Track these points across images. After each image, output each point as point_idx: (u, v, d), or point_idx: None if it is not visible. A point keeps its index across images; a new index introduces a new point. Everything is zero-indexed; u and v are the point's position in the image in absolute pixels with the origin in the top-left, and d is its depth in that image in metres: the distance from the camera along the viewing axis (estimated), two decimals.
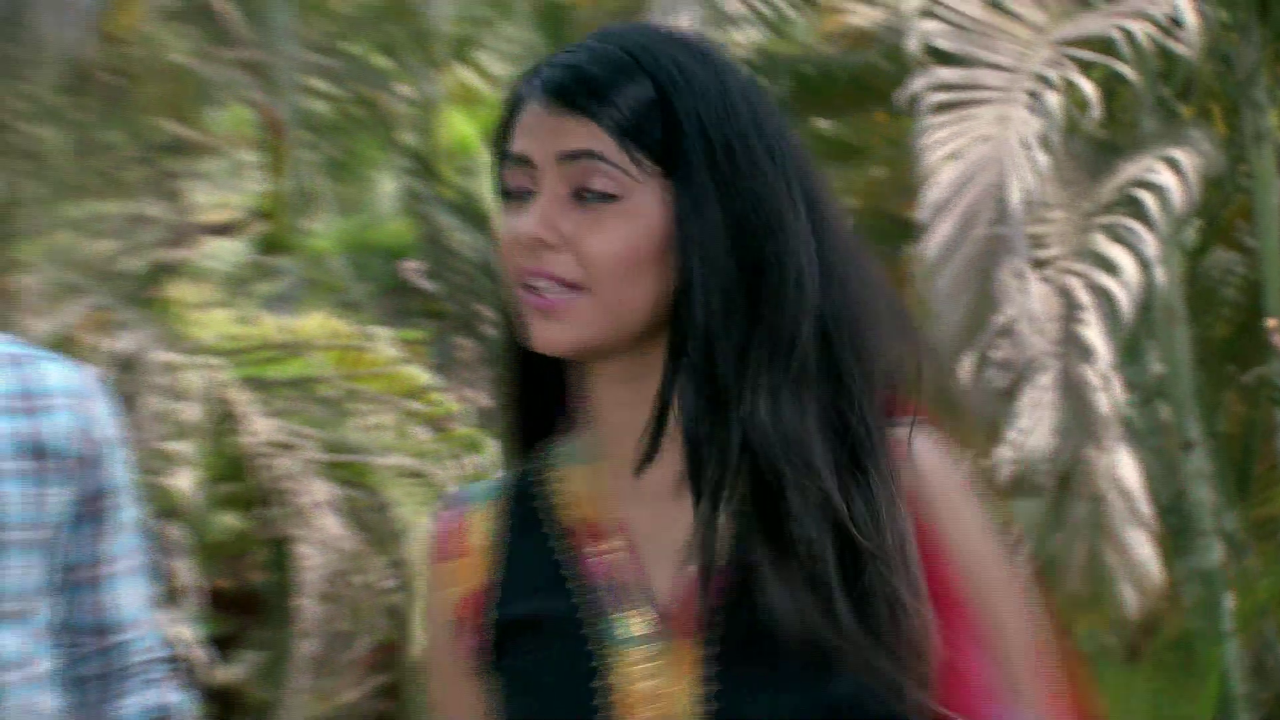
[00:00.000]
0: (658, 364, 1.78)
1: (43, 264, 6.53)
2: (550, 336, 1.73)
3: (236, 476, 6.29)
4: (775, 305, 1.74)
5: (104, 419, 2.72)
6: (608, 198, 1.72)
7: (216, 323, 6.39)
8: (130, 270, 6.78)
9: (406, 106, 9.02)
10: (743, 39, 7.11)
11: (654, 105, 1.73)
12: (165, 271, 6.96)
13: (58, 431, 2.66)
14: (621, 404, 1.80)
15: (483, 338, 7.00)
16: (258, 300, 7.25)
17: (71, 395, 2.69)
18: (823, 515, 1.73)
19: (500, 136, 1.77)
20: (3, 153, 6.50)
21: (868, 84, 7.41)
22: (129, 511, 2.72)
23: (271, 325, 6.34)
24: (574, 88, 1.72)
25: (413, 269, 8.73)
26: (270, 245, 7.51)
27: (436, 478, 6.19)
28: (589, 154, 1.71)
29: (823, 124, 7.86)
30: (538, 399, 1.84)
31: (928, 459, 1.79)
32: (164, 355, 6.10)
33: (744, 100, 1.73)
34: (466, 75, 10.10)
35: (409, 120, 9.06)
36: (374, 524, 6.24)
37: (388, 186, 9.44)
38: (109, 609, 2.76)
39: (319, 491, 5.98)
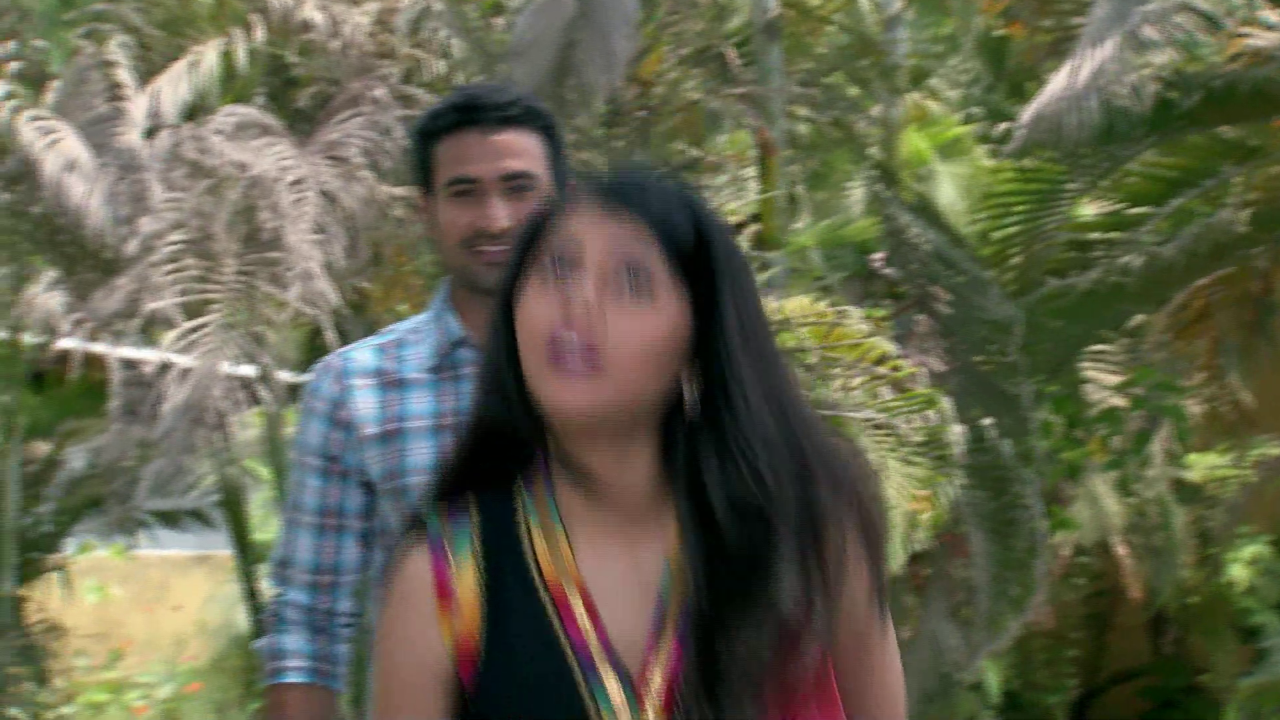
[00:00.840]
0: (617, 456, 1.77)
1: None
2: (569, 401, 1.71)
3: None
4: (770, 393, 1.76)
5: None
6: (645, 294, 1.73)
7: None
8: None
9: (873, 127, 9.09)
10: (1159, 60, 6.97)
11: (695, 231, 1.75)
12: None
13: None
14: (608, 468, 1.77)
15: (935, 314, 7.00)
16: None
17: None
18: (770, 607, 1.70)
19: (539, 232, 1.78)
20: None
21: (1266, 95, 7.23)
22: None
23: (766, 307, 6.32)
24: (626, 195, 1.75)
25: (877, 259, 8.79)
26: (763, 243, 7.53)
27: (900, 429, 6.07)
28: (635, 256, 1.72)
29: (1227, 130, 7.67)
30: (497, 449, 1.80)
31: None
32: None
33: (735, 241, 1.79)
34: (922, 100, 10.13)
35: (875, 138, 9.13)
36: None
37: (857, 193, 9.50)
38: None
39: None
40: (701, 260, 1.75)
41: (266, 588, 2.98)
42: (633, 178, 1.79)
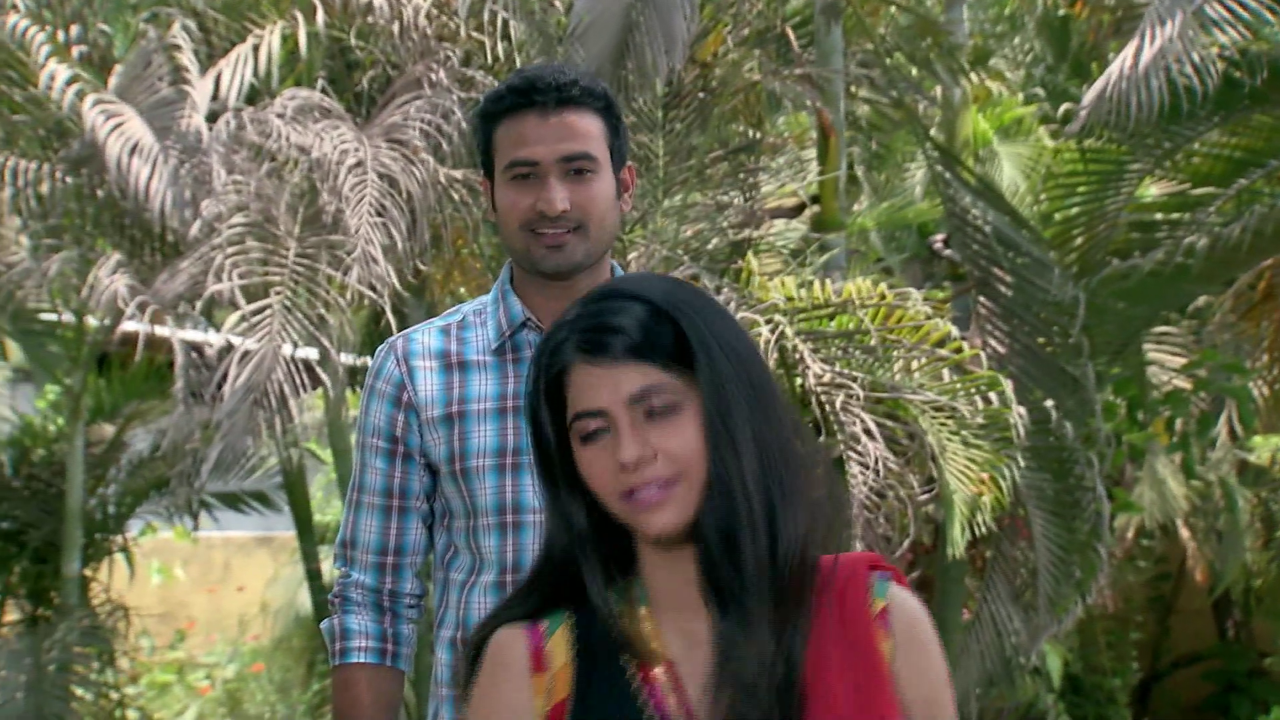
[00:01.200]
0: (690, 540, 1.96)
1: (647, 244, 6.64)
2: (665, 523, 1.92)
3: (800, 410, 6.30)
4: (775, 473, 1.94)
5: None
6: (671, 410, 1.93)
7: (782, 287, 6.33)
8: (715, 247, 6.89)
9: (934, 108, 9.03)
10: (1224, 39, 6.89)
11: (679, 334, 1.92)
12: (741, 247, 7.03)
13: None
14: (658, 567, 1.99)
15: (997, 296, 6.95)
16: (813, 269, 7.24)
17: None
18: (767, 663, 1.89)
19: (553, 397, 1.96)
20: None
21: None
22: None
23: (824, 289, 6.25)
24: (606, 340, 1.92)
25: (938, 240, 8.74)
26: (822, 224, 7.51)
27: (960, 412, 6.08)
28: (650, 390, 1.92)
29: None
30: (608, 551, 2.00)
31: (901, 612, 1.97)
32: (742, 314, 6.06)
33: (714, 303, 1.96)
34: (984, 80, 10.06)
35: (936, 119, 9.07)
36: (909, 449, 6.17)
37: (918, 174, 9.44)
38: None
39: (865, 422, 5.87)
40: (688, 348, 1.93)
41: (331, 569, 2.99)
42: (604, 318, 1.93)
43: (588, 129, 2.80)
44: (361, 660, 2.88)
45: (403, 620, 2.93)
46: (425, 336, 2.92)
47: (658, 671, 1.96)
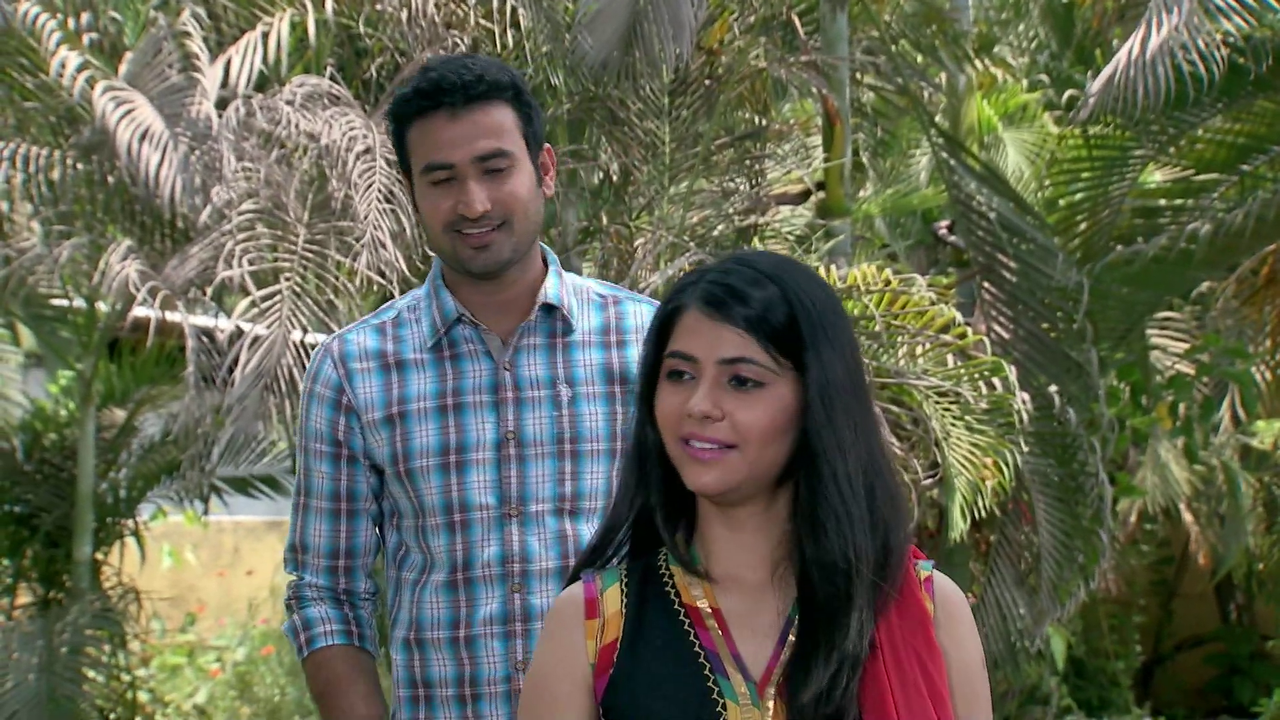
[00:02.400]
0: (752, 516, 2.06)
1: (653, 230, 6.64)
2: (706, 480, 2.02)
3: None
4: (876, 472, 2.03)
5: None
6: (757, 384, 2.00)
7: None
8: (721, 234, 6.90)
9: (938, 94, 9.02)
10: (1230, 26, 6.86)
11: (793, 321, 1.99)
12: (747, 234, 7.04)
13: (634, 361, 2.78)
14: (719, 539, 2.08)
15: (1001, 281, 6.96)
16: (818, 255, 7.24)
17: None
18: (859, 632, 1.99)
19: (662, 332, 2.06)
20: (622, 142, 6.76)
21: None
22: None
23: (830, 275, 6.25)
24: (729, 301, 2.00)
25: (943, 226, 8.74)
26: (828, 211, 7.50)
27: (964, 397, 6.10)
28: (743, 359, 2.00)
29: None
30: (670, 509, 2.10)
31: (942, 585, 2.08)
32: None
33: (840, 308, 2.02)
34: (988, 67, 10.05)
35: (941, 106, 9.06)
36: (913, 434, 6.21)
37: (922, 160, 9.44)
38: None
39: None
40: (799, 342, 2.01)
41: (284, 574, 2.94)
42: (735, 281, 2.02)
43: (499, 123, 2.76)
44: (331, 643, 2.85)
45: (361, 609, 2.90)
46: (360, 336, 2.86)
47: (708, 619, 2.06)
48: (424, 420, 2.78)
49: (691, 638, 2.05)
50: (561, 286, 2.86)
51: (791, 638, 2.05)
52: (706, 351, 2.01)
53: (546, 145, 2.88)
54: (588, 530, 2.77)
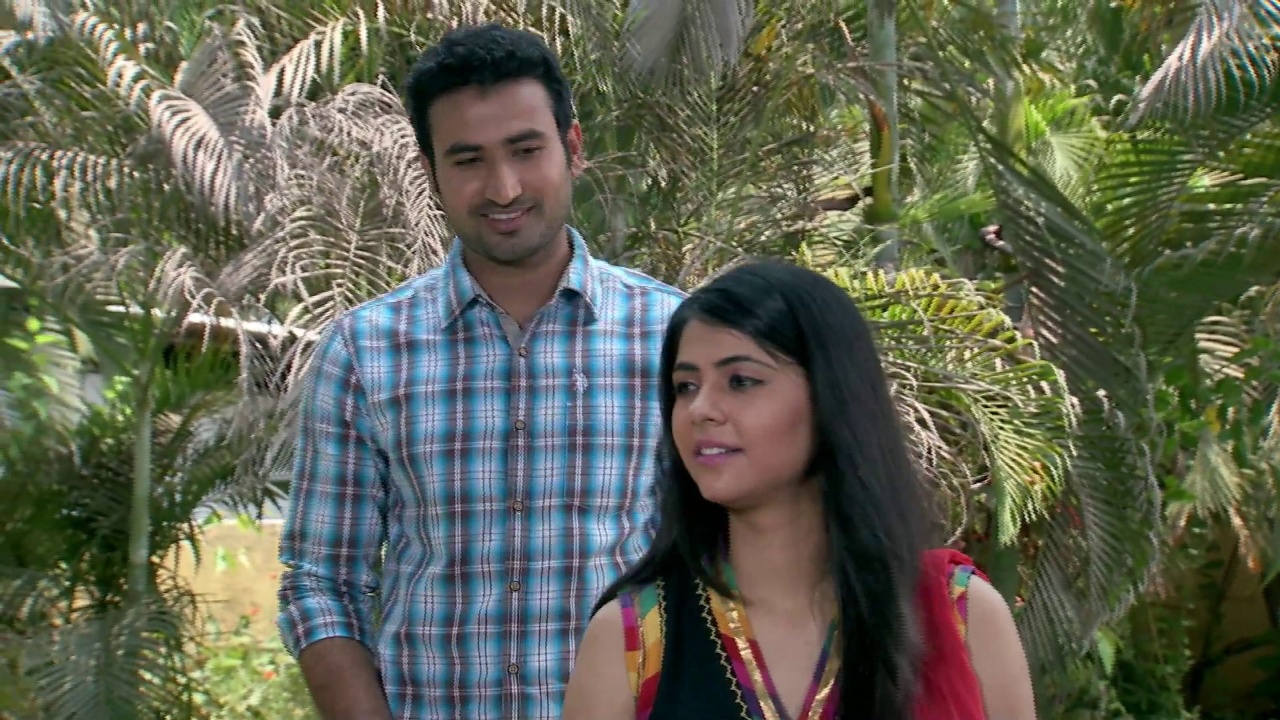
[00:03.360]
0: (779, 524, 2.02)
1: (701, 236, 6.62)
2: (718, 487, 1.99)
3: None
4: (900, 466, 1.99)
5: None
6: (756, 383, 1.97)
7: (835, 279, 6.15)
8: (769, 239, 6.89)
9: (986, 100, 8.98)
10: (1278, 29, 6.81)
11: (788, 315, 1.97)
12: (795, 239, 7.02)
13: (658, 354, 2.64)
14: (748, 550, 2.04)
15: (1049, 286, 6.92)
16: (866, 260, 7.22)
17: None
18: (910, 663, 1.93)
19: (669, 349, 2.05)
20: (671, 148, 6.76)
21: None
22: None
23: (877, 280, 6.23)
24: (726, 306, 1.99)
25: (990, 231, 8.70)
26: (875, 216, 7.49)
27: (1012, 401, 6.06)
28: (739, 358, 1.97)
29: None
30: (701, 530, 2.07)
31: (979, 600, 2.01)
32: None
33: (853, 306, 2.00)
34: (1035, 72, 9.99)
35: (988, 111, 9.02)
36: (961, 438, 6.17)
37: (969, 165, 9.40)
38: None
39: (918, 411, 5.83)
40: (800, 337, 1.99)
41: (280, 563, 2.82)
42: (727, 285, 2.01)
43: (530, 102, 2.58)
44: (330, 635, 2.70)
45: (361, 603, 2.75)
46: (374, 314, 2.72)
47: (744, 650, 2.02)
48: (431, 404, 2.63)
49: (728, 674, 2.01)
50: (586, 272, 2.71)
51: (828, 676, 2.00)
52: (705, 357, 2.00)
53: (575, 122, 2.72)
54: (597, 530, 2.64)
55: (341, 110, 6.22)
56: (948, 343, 6.19)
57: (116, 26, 6.79)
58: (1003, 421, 6.03)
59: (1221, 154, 7.87)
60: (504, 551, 2.62)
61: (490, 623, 2.62)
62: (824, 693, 1.99)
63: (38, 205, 6.82)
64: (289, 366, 5.78)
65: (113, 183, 6.67)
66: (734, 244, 6.57)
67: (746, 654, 2.02)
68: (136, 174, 6.70)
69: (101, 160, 6.71)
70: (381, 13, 6.58)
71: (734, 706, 1.98)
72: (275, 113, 6.41)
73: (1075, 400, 6.20)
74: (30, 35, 6.74)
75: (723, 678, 2.00)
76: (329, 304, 5.90)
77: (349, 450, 2.69)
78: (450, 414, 2.62)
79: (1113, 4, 10.20)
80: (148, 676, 7.56)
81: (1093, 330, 6.91)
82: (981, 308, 6.13)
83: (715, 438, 1.98)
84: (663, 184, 6.97)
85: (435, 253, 5.88)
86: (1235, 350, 8.79)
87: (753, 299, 1.98)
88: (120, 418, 8.81)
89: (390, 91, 6.51)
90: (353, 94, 6.35)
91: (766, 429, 1.97)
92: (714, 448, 1.98)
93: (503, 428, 2.62)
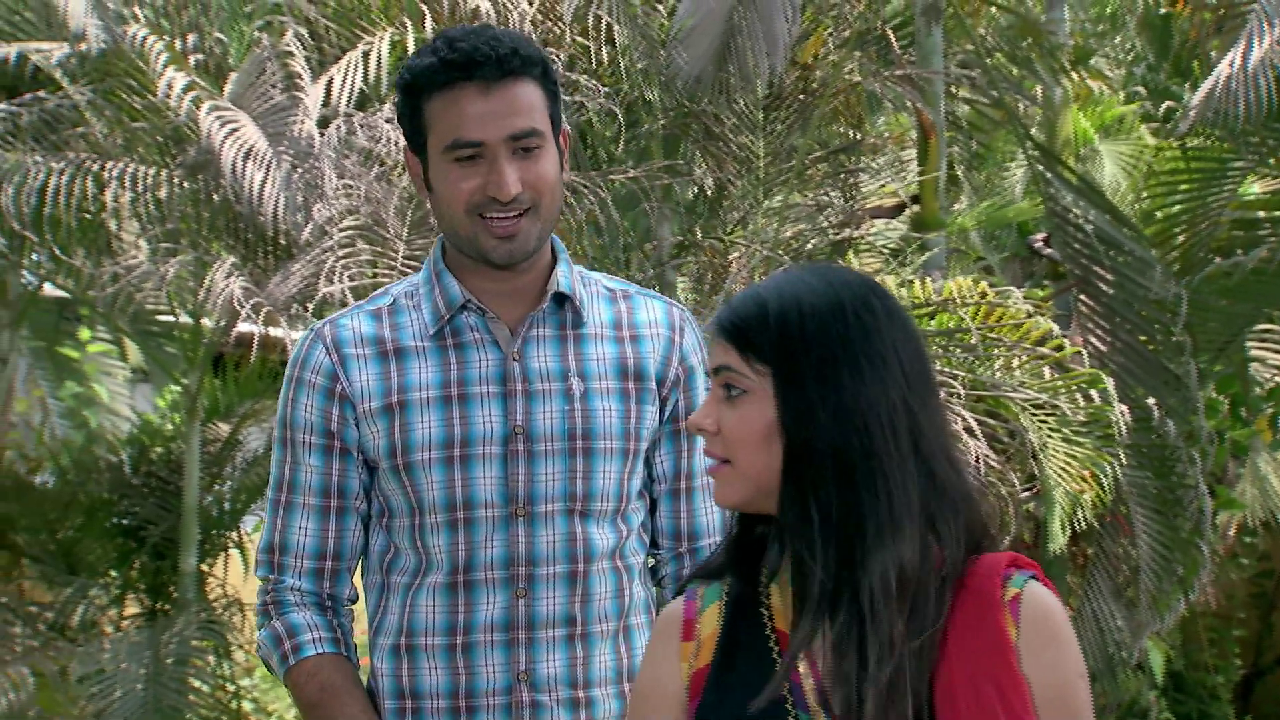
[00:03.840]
0: None
1: (748, 244, 6.61)
2: (719, 497, 2.04)
3: None
4: (866, 479, 1.95)
5: (688, 349, 2.69)
6: (741, 392, 2.00)
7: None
8: (815, 247, 6.86)
9: (1034, 107, 8.94)
10: None
11: (764, 324, 1.97)
12: (842, 247, 7.01)
13: (648, 358, 2.65)
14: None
15: (1098, 294, 6.89)
16: (914, 268, 7.20)
17: (660, 327, 2.68)
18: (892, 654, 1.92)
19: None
20: (717, 157, 6.75)
21: None
22: None
23: (925, 288, 6.22)
24: (722, 317, 2.02)
25: (1038, 239, 8.66)
26: (923, 224, 7.47)
27: (1061, 409, 6.02)
28: (723, 367, 2.01)
29: None
30: (758, 531, 2.07)
31: (1033, 603, 1.97)
32: None
33: (855, 316, 1.96)
34: (1084, 79, 9.95)
35: (1036, 118, 8.98)
36: (1010, 446, 6.13)
37: (1017, 173, 9.36)
38: (689, 519, 2.72)
39: (966, 420, 5.81)
40: (779, 350, 1.99)
41: (259, 576, 2.77)
42: (735, 301, 2.04)
43: (531, 101, 2.56)
44: (320, 650, 2.62)
45: (344, 618, 2.69)
46: (355, 322, 2.65)
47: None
48: (426, 411, 2.58)
49: (778, 668, 2.01)
50: (573, 276, 2.68)
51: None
52: (710, 367, 2.06)
53: (565, 127, 2.70)
54: (598, 534, 2.61)
55: (389, 120, 6.24)
56: (995, 351, 6.16)
57: (167, 38, 6.84)
58: (1051, 430, 5.99)
59: (1272, 161, 7.82)
60: (508, 558, 2.59)
61: (496, 630, 2.59)
62: None
63: (89, 215, 6.87)
64: None
65: (163, 193, 6.71)
66: (780, 252, 6.54)
67: (802, 658, 2.01)
68: (186, 184, 6.75)
69: (151, 171, 6.76)
70: (429, 23, 6.60)
71: (780, 698, 1.98)
72: (323, 123, 6.44)
73: (1125, 408, 6.17)
74: (82, 47, 6.80)
75: (773, 672, 2.00)
76: None
77: (333, 461, 2.64)
78: (447, 420, 2.59)
79: (1162, 10, 10.15)
80: (197, 684, 7.60)
81: (1142, 338, 6.87)
82: (1029, 316, 6.09)
83: (709, 448, 2.03)
84: (709, 192, 6.96)
85: None
86: None
87: (741, 309, 2.02)
88: (170, 426, 8.87)
89: None
90: None
91: (741, 438, 1.99)
92: (711, 458, 2.03)
93: (501, 433, 2.60)
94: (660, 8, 6.67)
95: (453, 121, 2.55)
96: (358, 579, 2.75)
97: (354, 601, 2.72)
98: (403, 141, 2.71)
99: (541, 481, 2.59)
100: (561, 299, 2.65)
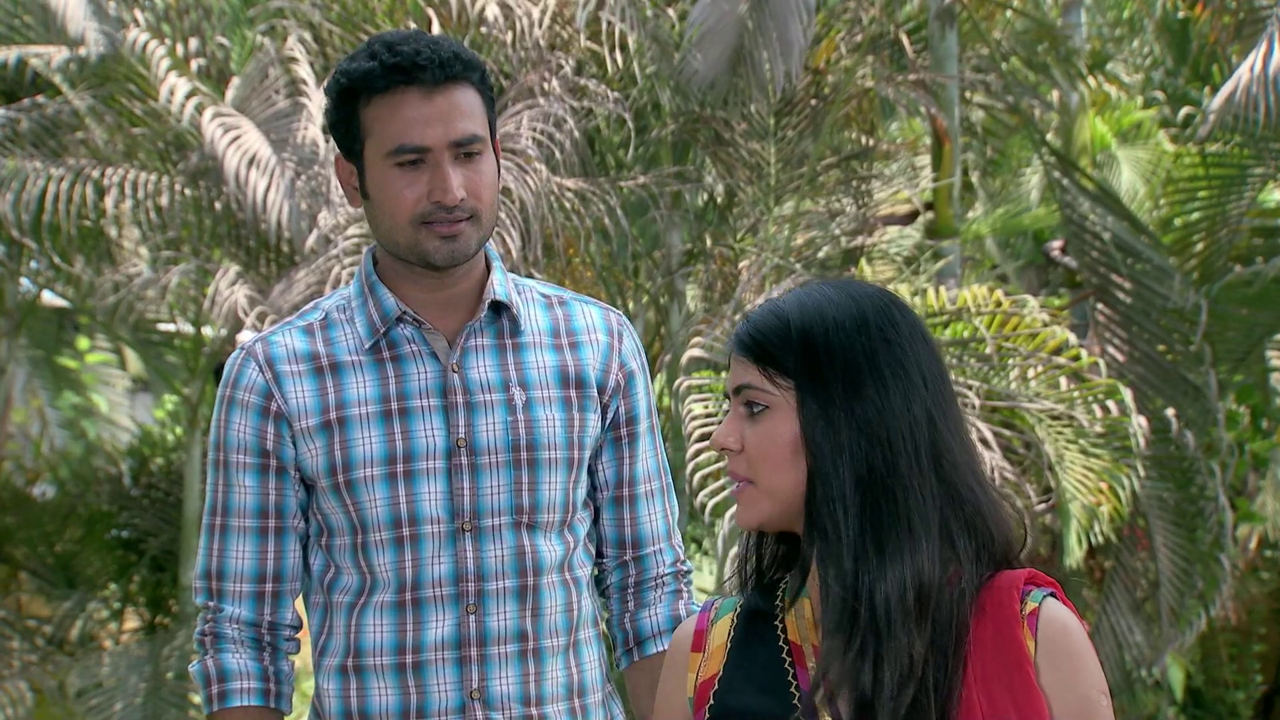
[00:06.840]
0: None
1: (759, 252, 6.63)
2: (739, 517, 2.05)
3: None
4: (887, 494, 1.97)
5: (627, 353, 2.68)
6: (764, 409, 2.02)
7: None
8: (827, 255, 6.91)
9: (1050, 112, 8.96)
10: None
11: (787, 338, 2.01)
12: (854, 255, 7.05)
13: (588, 365, 2.63)
14: (811, 570, 2.05)
15: (1116, 302, 6.90)
16: (927, 276, 7.21)
17: (599, 332, 2.66)
18: (909, 672, 1.94)
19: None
20: (727, 163, 6.78)
21: None
22: (651, 439, 2.69)
23: (939, 296, 6.23)
24: (741, 333, 2.04)
25: (1055, 247, 8.68)
26: (937, 231, 7.48)
27: (1078, 420, 6.03)
28: (744, 386, 2.02)
29: None
30: (774, 548, 2.10)
31: (1051, 618, 1.98)
32: None
33: (878, 329, 1.98)
34: (1101, 84, 9.97)
35: (1052, 124, 9.00)
36: (1025, 458, 6.14)
37: (1033, 179, 9.37)
38: (633, 526, 2.70)
39: (980, 431, 5.81)
40: (792, 359, 2.01)
41: (195, 604, 2.71)
42: (753, 316, 2.06)
43: (473, 106, 2.56)
44: (245, 703, 2.58)
45: (283, 656, 2.65)
46: (287, 338, 2.62)
47: (810, 658, 2.05)
48: (366, 426, 2.55)
49: (790, 677, 2.04)
50: (508, 284, 2.66)
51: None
52: (729, 386, 2.07)
53: (495, 135, 2.66)
54: (546, 546, 2.60)
55: None
56: (1011, 361, 6.16)
57: (168, 43, 6.86)
58: (1068, 441, 6.00)
59: None
60: (456, 574, 2.57)
61: (447, 648, 2.57)
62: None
63: (88, 223, 6.90)
64: None
65: (164, 200, 6.74)
66: (791, 260, 6.58)
67: (812, 660, 2.04)
68: (188, 191, 6.77)
69: (153, 177, 6.78)
70: (435, 27, 6.63)
71: (789, 708, 2.01)
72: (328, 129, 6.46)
73: (1143, 420, 6.18)
74: (82, 51, 6.82)
75: (783, 681, 2.03)
76: None
77: (269, 481, 2.60)
78: (389, 435, 2.57)
79: (1180, 15, 10.15)
80: (197, 699, 7.61)
81: (1160, 348, 6.88)
82: (1046, 325, 6.10)
83: (733, 467, 2.04)
84: (719, 199, 6.98)
85: None
86: None
87: (762, 324, 2.03)
88: (170, 437, 8.89)
89: None
90: None
91: (766, 453, 2.01)
92: (734, 479, 2.04)
93: (444, 446, 2.57)
94: (670, 11, 6.68)
95: (395, 127, 2.54)
96: (300, 604, 2.72)
97: (297, 629, 2.67)
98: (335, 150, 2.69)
99: (487, 495, 2.58)
100: (498, 307, 2.63)
